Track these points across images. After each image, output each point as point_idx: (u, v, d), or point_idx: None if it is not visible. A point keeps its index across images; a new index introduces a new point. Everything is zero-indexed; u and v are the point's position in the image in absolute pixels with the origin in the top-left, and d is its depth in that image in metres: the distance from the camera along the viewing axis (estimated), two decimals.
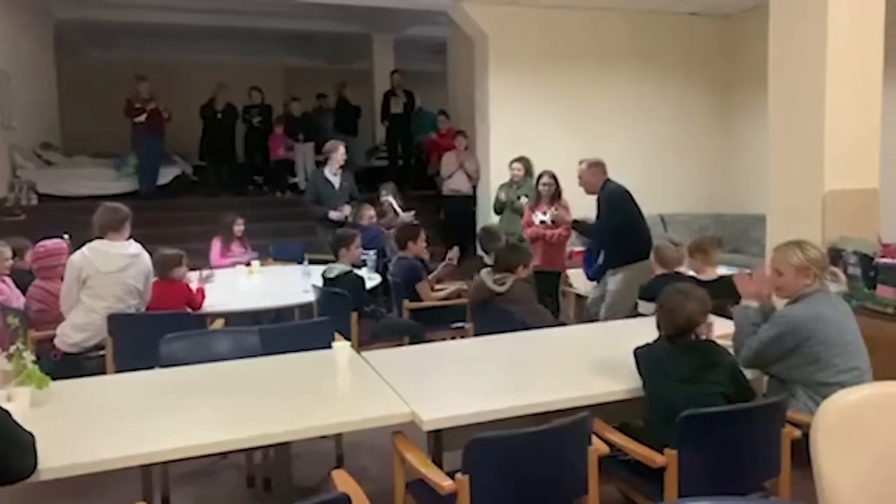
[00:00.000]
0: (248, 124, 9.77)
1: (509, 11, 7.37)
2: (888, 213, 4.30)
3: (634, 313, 4.23)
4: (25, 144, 8.89)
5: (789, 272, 2.85)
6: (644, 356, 2.66)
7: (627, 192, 4.87)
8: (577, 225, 5.17)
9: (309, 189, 6.89)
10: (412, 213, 6.86)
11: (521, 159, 6.52)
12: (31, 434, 2.01)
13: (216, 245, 6.26)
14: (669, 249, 4.15)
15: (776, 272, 2.90)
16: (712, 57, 8.18)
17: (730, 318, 3.10)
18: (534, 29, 7.49)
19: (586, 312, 5.16)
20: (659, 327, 2.68)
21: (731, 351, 2.89)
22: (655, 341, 2.68)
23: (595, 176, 4.92)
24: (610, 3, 7.49)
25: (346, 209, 6.47)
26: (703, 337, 2.65)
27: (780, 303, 2.99)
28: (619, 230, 4.80)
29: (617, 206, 4.83)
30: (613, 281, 4.82)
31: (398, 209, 6.92)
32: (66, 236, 4.60)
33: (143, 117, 8.60)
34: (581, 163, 5.00)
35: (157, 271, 4.21)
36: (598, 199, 4.93)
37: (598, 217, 4.95)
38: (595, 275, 5.15)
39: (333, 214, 6.43)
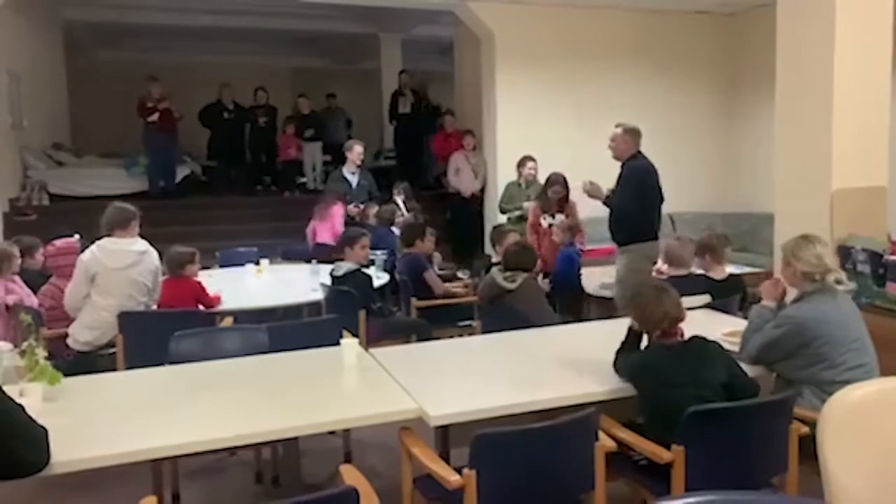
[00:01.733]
0: (252, 124, 9.82)
1: (516, 10, 7.37)
2: None
3: None
4: (36, 145, 8.97)
5: (785, 269, 2.89)
6: (640, 366, 2.61)
7: (653, 170, 4.76)
8: (609, 200, 4.91)
9: (327, 187, 7.05)
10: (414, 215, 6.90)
11: (534, 158, 6.53)
12: (43, 428, 2.03)
13: (340, 211, 6.52)
14: (677, 248, 4.14)
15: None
16: (719, 55, 8.15)
17: (734, 315, 3.11)
18: (540, 27, 7.49)
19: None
20: (638, 328, 2.69)
21: (738, 348, 2.89)
22: (646, 347, 2.68)
23: (626, 143, 4.80)
24: (616, 1, 7.48)
25: (361, 206, 6.56)
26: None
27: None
28: (631, 208, 4.71)
29: (635, 183, 4.72)
30: (620, 264, 4.81)
31: (404, 210, 6.96)
32: (77, 236, 4.64)
33: (154, 117, 8.67)
34: (617, 126, 4.87)
35: (169, 269, 4.24)
36: (621, 169, 4.84)
37: (616, 186, 4.84)
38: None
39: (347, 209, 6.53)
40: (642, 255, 4.68)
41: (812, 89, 4.24)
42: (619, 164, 5.05)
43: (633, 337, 2.79)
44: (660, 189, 4.80)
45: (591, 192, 4.91)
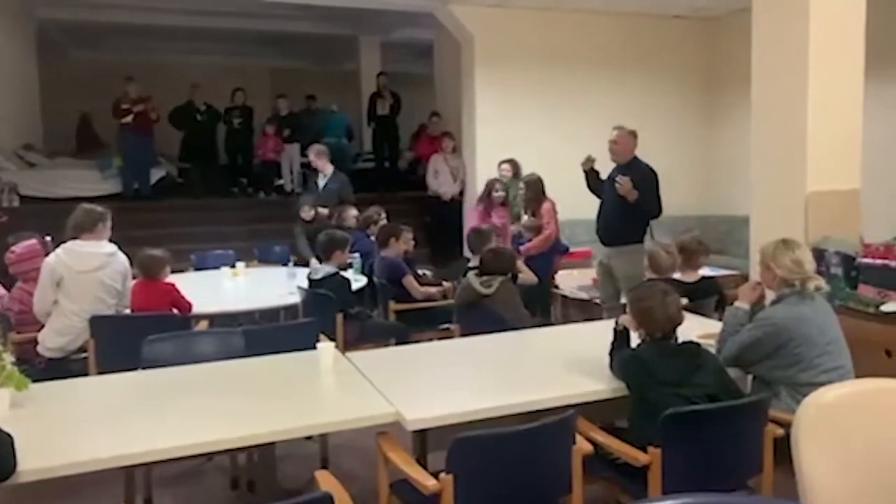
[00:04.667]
0: (228, 126, 9.71)
1: (496, 13, 7.38)
2: (869, 214, 4.34)
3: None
4: (7, 146, 8.80)
5: (764, 273, 2.92)
6: (632, 359, 2.63)
7: None
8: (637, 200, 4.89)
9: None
10: None
11: (510, 161, 6.55)
12: (9, 435, 1.98)
13: (475, 214, 6.39)
14: (662, 257, 4.15)
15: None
16: (698, 59, 8.23)
17: (709, 317, 3.13)
18: (520, 31, 7.50)
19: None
20: (625, 327, 2.70)
21: (714, 350, 2.91)
22: (639, 344, 2.68)
23: (629, 144, 4.95)
24: (596, 5, 7.52)
25: (312, 211, 6.51)
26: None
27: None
28: (654, 209, 4.91)
29: (652, 184, 4.87)
30: (623, 263, 4.86)
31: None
32: (48, 238, 4.54)
33: (129, 118, 8.55)
34: (620, 128, 4.98)
35: (141, 272, 4.16)
36: (624, 171, 4.89)
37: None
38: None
39: (302, 213, 6.52)
40: (640, 254, 4.74)
41: (787, 93, 4.28)
42: (591, 168, 5.14)
43: (621, 336, 2.80)
44: None
45: (625, 189, 4.75)
